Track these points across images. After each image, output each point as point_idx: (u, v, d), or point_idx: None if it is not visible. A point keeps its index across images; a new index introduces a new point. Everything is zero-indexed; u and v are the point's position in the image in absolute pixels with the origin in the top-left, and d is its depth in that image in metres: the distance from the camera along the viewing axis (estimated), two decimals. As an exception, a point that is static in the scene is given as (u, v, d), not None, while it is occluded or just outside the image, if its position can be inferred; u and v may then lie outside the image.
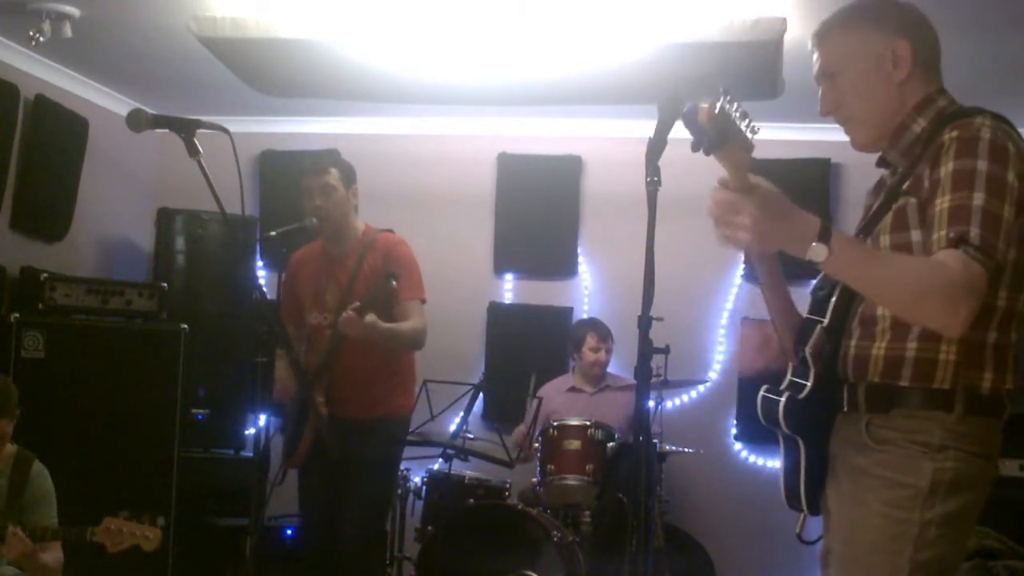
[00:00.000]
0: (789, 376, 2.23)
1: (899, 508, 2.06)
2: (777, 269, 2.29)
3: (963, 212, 1.97)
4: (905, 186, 2.12)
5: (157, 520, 3.64)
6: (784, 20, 4.23)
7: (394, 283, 3.88)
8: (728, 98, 1.83)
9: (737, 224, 1.88)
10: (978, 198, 1.97)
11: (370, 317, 3.89)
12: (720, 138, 1.84)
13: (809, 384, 2.17)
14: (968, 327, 1.95)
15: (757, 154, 1.92)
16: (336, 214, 4.23)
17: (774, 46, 4.34)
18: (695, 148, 1.87)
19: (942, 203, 2.00)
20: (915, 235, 2.08)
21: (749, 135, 1.89)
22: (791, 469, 2.23)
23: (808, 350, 2.17)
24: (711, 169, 1.95)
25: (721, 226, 1.91)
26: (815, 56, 2.29)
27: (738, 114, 1.86)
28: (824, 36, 2.27)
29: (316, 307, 4.26)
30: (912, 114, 2.21)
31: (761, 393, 2.23)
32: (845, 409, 2.18)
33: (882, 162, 2.31)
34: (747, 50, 4.34)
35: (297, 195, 4.30)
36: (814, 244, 1.89)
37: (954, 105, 2.21)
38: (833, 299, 2.17)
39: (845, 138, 2.34)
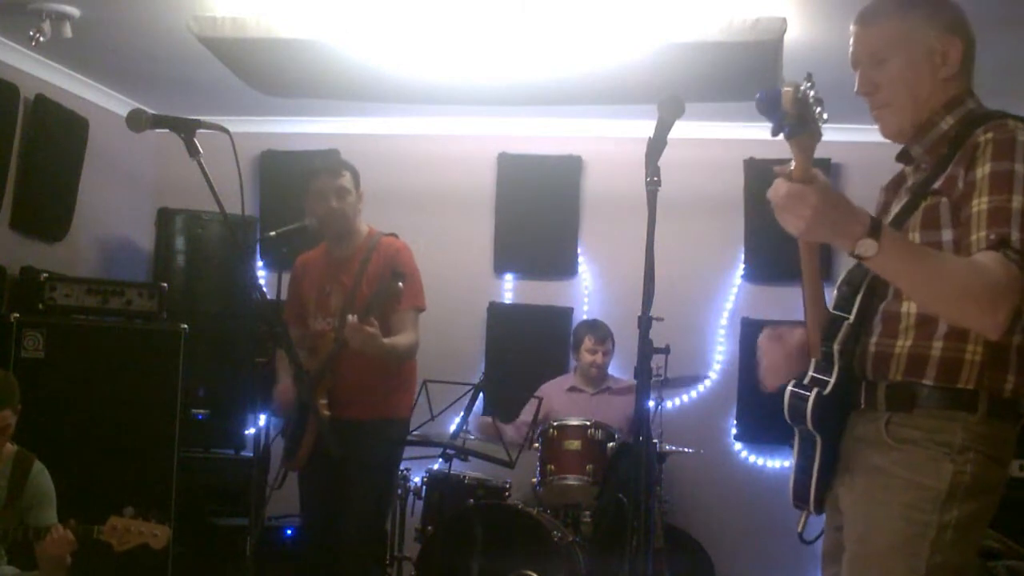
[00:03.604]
0: (812, 372, 2.21)
1: (918, 510, 2.05)
2: (817, 262, 2.28)
3: (1003, 214, 1.98)
4: (936, 185, 2.12)
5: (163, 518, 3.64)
6: (784, 20, 4.23)
7: (400, 284, 3.89)
8: (810, 83, 1.82)
9: (800, 214, 1.87)
10: (1017, 200, 1.99)
11: (373, 328, 3.90)
12: (800, 123, 1.82)
13: (832, 380, 2.17)
14: (1007, 329, 1.96)
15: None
16: (349, 217, 4.25)
17: (774, 46, 4.34)
18: (775, 133, 1.85)
19: (980, 204, 2.01)
20: (946, 234, 2.08)
21: (820, 123, 1.89)
22: (804, 466, 2.23)
23: (836, 347, 2.17)
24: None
25: (785, 215, 1.90)
26: (856, 37, 2.27)
27: (814, 100, 1.84)
28: (875, 19, 2.25)
29: (320, 311, 4.26)
30: (941, 111, 2.20)
31: (789, 388, 2.21)
32: (862, 406, 2.17)
33: (903, 156, 2.30)
34: (747, 50, 4.34)
35: (298, 195, 4.30)
36: (864, 240, 1.89)
37: (982, 108, 2.21)
38: (859, 296, 2.16)
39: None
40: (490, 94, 5.31)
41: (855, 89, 2.28)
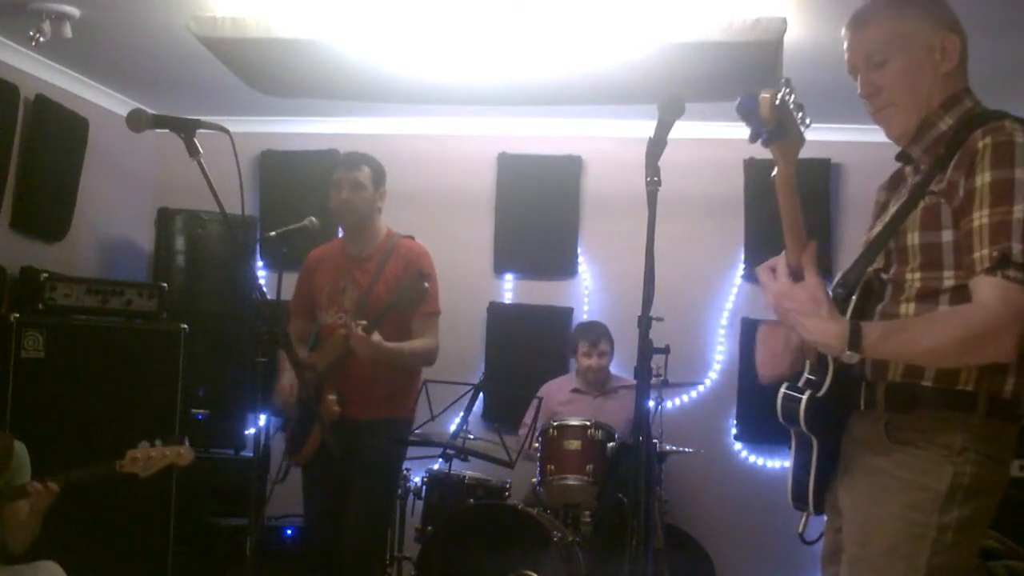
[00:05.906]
0: (806, 374, 2.22)
1: (918, 511, 2.06)
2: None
3: (1004, 228, 1.98)
4: (936, 187, 2.10)
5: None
6: (784, 20, 4.23)
7: (426, 284, 3.91)
8: (788, 89, 1.80)
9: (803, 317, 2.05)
10: (1019, 211, 1.98)
11: (376, 336, 3.90)
12: (780, 130, 1.81)
13: (828, 382, 2.17)
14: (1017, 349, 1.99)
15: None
16: (361, 211, 4.27)
17: (774, 46, 4.34)
18: (752, 139, 1.84)
19: (982, 217, 2.00)
20: (947, 235, 2.08)
21: (802, 128, 1.87)
22: (801, 467, 2.23)
23: None
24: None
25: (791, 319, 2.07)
26: (851, 42, 2.27)
27: (794, 106, 1.83)
28: (869, 22, 2.25)
29: (333, 306, 4.28)
30: (939, 111, 2.20)
31: (782, 391, 2.22)
32: (862, 407, 2.17)
33: (903, 157, 2.29)
34: (747, 50, 4.34)
35: (298, 194, 4.31)
36: (847, 352, 2.00)
37: (980, 107, 2.20)
38: (854, 297, 2.16)
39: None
40: (490, 94, 5.30)
41: (858, 92, 2.27)
